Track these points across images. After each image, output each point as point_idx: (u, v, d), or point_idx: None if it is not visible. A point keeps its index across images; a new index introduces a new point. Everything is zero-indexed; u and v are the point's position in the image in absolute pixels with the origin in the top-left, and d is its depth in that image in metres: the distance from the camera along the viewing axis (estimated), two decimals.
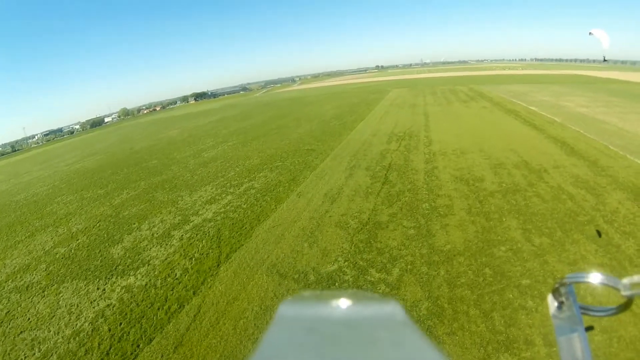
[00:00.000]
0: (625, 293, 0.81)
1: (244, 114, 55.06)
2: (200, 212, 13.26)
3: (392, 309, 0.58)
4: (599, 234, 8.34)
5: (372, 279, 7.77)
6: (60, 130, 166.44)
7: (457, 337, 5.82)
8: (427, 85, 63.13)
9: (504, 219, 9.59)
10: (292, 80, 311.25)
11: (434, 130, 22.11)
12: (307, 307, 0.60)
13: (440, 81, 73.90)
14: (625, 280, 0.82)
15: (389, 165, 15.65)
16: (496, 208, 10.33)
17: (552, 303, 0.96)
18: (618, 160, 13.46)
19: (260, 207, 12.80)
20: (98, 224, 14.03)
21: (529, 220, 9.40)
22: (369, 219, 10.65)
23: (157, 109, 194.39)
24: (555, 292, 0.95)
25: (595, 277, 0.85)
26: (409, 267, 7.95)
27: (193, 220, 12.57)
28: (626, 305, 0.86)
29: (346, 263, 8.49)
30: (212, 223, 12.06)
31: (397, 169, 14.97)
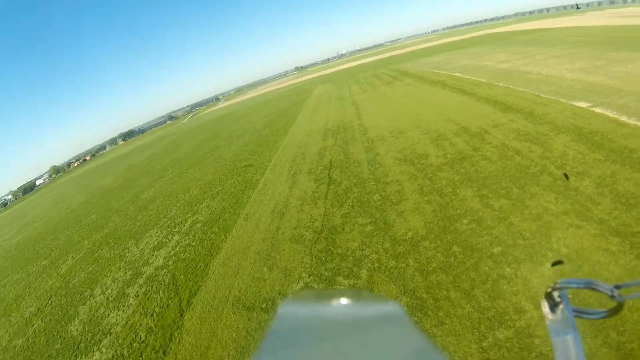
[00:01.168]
0: (616, 298, 0.85)
1: (175, 143, 53.94)
2: (150, 261, 12.52)
3: (391, 309, 0.60)
4: (567, 177, 8.56)
5: (342, 287, 7.50)
6: None
7: (447, 326, 5.64)
8: (349, 76, 64.48)
9: (458, 191, 9.64)
10: (216, 98, 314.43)
11: (367, 117, 22.35)
12: (308, 306, 0.63)
13: (360, 69, 75.69)
14: (616, 286, 0.85)
15: (330, 163, 15.52)
16: (447, 181, 10.40)
17: (545, 306, 0.98)
18: (552, 105, 14.09)
19: (210, 240, 12.25)
20: (50, 301, 12.89)
21: (483, 185, 9.51)
22: (322, 225, 10.38)
23: (87, 158, 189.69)
24: (548, 296, 0.97)
25: (586, 283, 0.88)
26: (376, 265, 7.75)
27: (145, 272, 11.84)
28: (617, 309, 0.89)
29: (311, 278, 8.16)
30: (164, 270, 11.37)
31: (339, 165, 14.86)
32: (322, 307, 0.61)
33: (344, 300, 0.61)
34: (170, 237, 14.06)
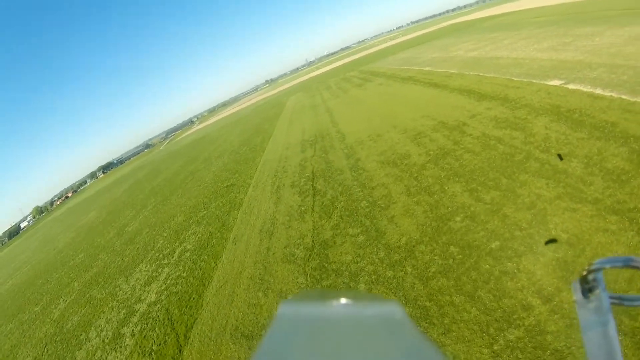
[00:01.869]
0: None
1: (154, 171, 53.74)
2: (142, 298, 12.21)
3: (392, 309, 0.59)
4: (560, 157, 8.52)
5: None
6: None
7: (454, 333, 5.45)
8: (320, 82, 64.81)
9: (446, 188, 9.51)
10: (191, 121, 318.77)
11: (343, 123, 22.28)
12: (308, 306, 0.61)
13: (330, 74, 76.17)
14: None
15: (312, 174, 15.33)
16: (434, 179, 10.27)
17: (577, 291, 0.88)
18: (525, 88, 14.18)
19: (201, 269, 11.96)
20: (46, 349, 12.53)
21: (471, 179, 9.40)
22: (313, 241, 10.15)
23: (69, 194, 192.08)
24: (583, 280, 0.87)
25: (626, 261, 0.78)
26: (373, 277, 7.53)
27: (138, 309, 11.52)
28: None
29: None
30: (158, 305, 11.06)
31: (321, 175, 14.68)
32: (322, 307, 0.60)
33: (344, 300, 0.61)
34: (160, 270, 13.75)
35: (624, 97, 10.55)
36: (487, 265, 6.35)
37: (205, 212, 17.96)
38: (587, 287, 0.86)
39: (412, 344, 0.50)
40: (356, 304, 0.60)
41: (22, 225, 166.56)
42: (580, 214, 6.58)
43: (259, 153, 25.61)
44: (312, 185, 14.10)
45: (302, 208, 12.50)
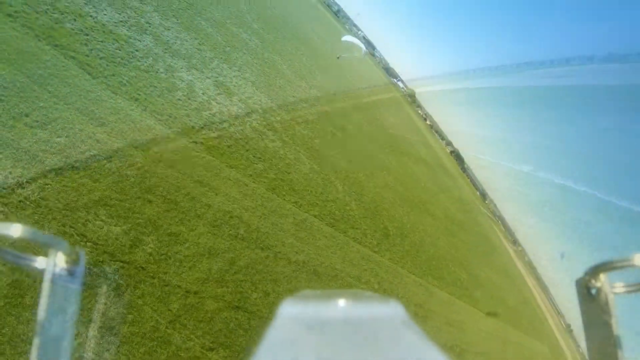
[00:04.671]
0: None
1: None
2: None
3: (392, 309, 0.62)
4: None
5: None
6: None
7: None
8: None
9: None
10: None
11: None
12: (308, 307, 0.64)
13: None
14: None
15: None
16: None
17: (582, 290, 0.87)
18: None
19: None
20: None
21: None
22: None
23: None
24: (585, 279, 0.86)
25: (630, 260, 0.74)
26: None
27: None
28: None
29: None
30: None
31: None
32: (322, 307, 0.62)
33: (344, 301, 0.63)
34: None
35: None
36: None
37: None
38: (593, 286, 0.84)
39: (412, 343, 0.53)
40: (356, 305, 0.62)
41: None
42: None
43: None
44: None
45: None
